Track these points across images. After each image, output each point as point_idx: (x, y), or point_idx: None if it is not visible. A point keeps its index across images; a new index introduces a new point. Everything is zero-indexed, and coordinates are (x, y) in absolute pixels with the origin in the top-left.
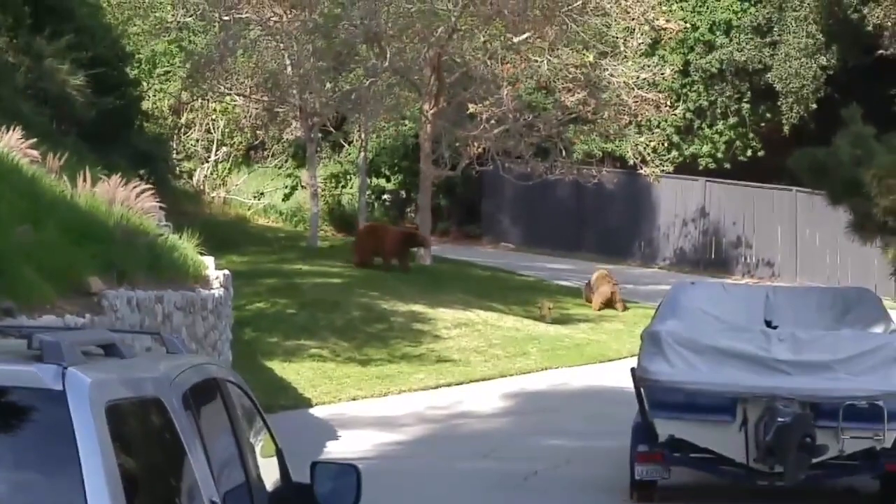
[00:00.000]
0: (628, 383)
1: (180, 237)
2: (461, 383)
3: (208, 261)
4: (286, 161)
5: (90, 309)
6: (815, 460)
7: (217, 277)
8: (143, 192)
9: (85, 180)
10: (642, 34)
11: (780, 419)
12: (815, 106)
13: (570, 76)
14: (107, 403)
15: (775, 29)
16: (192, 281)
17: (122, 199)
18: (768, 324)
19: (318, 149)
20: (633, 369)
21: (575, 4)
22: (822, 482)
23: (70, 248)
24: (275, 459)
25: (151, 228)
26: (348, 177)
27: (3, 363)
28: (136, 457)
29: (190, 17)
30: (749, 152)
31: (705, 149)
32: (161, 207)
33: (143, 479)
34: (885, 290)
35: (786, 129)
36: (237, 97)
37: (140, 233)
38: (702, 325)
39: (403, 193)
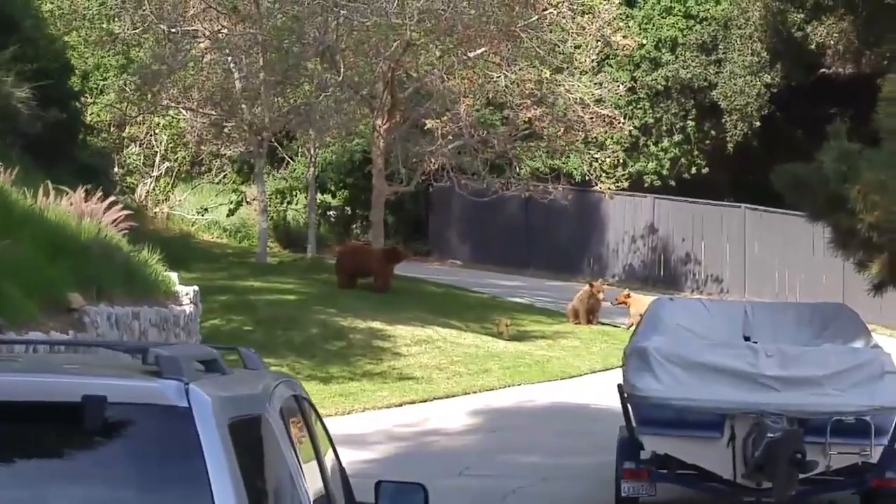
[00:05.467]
0: (594, 399)
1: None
2: (425, 400)
3: (174, 277)
4: (224, 176)
5: (72, 325)
6: (802, 476)
7: (187, 294)
8: (110, 205)
9: (46, 195)
10: (594, 50)
11: (769, 435)
12: (758, 123)
13: (527, 92)
14: (229, 420)
15: (720, 47)
16: (162, 297)
17: (91, 213)
18: (747, 339)
19: (267, 164)
20: (619, 385)
21: (531, 20)
22: (808, 498)
23: (47, 264)
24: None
25: (124, 244)
26: (294, 193)
27: (125, 378)
28: (253, 476)
29: (136, 29)
30: (693, 169)
31: (650, 166)
32: (131, 224)
33: (259, 496)
34: None
35: (730, 146)
36: (184, 111)
37: (114, 248)
38: (685, 342)
39: (349, 210)
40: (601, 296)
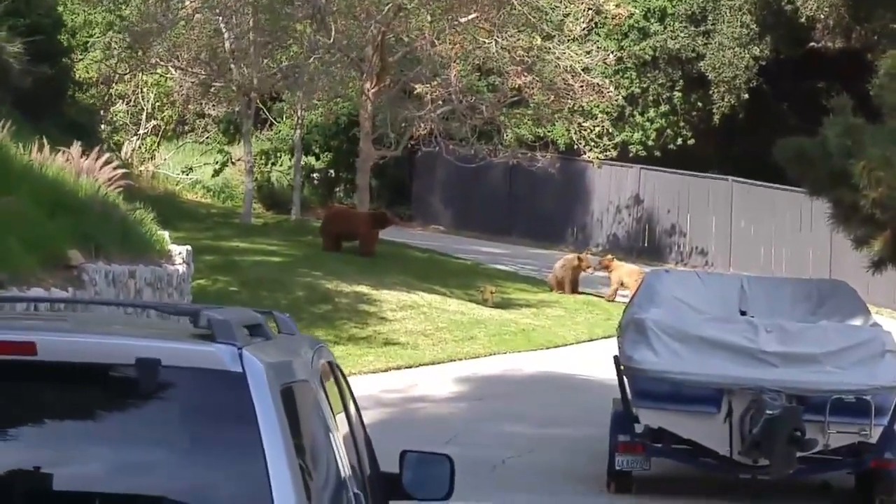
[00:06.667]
0: (580, 370)
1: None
2: (411, 366)
3: (166, 235)
4: (208, 137)
5: (70, 282)
6: (800, 454)
7: (180, 253)
8: (106, 162)
9: (40, 150)
10: (584, 18)
11: (768, 412)
12: (746, 96)
13: (518, 59)
14: (281, 387)
15: (709, 18)
16: (156, 256)
17: (88, 170)
18: (743, 314)
19: (255, 125)
20: (615, 357)
21: None
22: (805, 476)
23: (47, 220)
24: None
25: (120, 202)
26: (278, 154)
27: (179, 342)
28: (301, 441)
29: None
30: (679, 141)
31: (636, 136)
32: (127, 182)
33: (307, 464)
34: None
35: (716, 118)
36: (173, 70)
37: (112, 206)
38: (682, 315)
39: (332, 173)
40: (590, 270)
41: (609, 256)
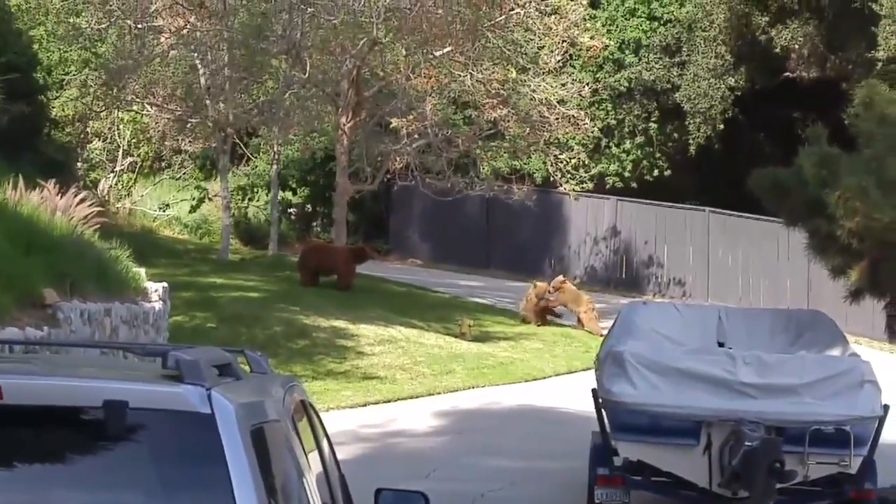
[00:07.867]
0: (559, 403)
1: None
2: (389, 401)
3: (142, 273)
4: (185, 173)
5: (46, 321)
6: (780, 486)
7: (156, 290)
8: (82, 200)
9: (15, 188)
10: (559, 51)
11: (747, 444)
12: (721, 126)
13: (493, 92)
14: (251, 427)
15: (684, 49)
16: (132, 293)
17: (64, 208)
18: (721, 345)
19: (231, 161)
20: (593, 390)
21: (498, 20)
22: None
23: (21, 259)
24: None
25: (95, 240)
26: (255, 190)
27: (147, 383)
28: (270, 483)
29: (103, 25)
30: (655, 172)
31: (612, 168)
32: (104, 220)
33: None
34: None
35: (692, 149)
36: (149, 107)
37: (87, 244)
38: (661, 347)
39: (309, 207)
40: (551, 297)
41: (560, 278)
